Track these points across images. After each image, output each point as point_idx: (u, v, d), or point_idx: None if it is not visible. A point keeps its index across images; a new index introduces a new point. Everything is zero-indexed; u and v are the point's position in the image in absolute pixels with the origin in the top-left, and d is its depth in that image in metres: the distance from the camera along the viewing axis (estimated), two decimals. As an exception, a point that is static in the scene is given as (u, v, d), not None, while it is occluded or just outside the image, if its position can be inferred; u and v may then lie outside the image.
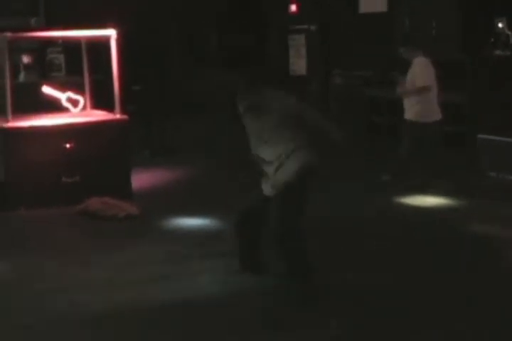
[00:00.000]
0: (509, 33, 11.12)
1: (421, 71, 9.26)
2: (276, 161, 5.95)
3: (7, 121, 9.06)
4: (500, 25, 11.11)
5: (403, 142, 9.47)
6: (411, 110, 9.37)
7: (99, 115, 10.01)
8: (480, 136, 10.44)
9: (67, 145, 9.16)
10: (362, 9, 13.27)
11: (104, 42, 9.58)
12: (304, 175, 6.00)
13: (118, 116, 9.60)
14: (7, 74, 9.13)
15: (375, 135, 12.55)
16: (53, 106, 10.30)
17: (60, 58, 12.33)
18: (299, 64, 14.89)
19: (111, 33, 9.46)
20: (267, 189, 6.07)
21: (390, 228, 7.99)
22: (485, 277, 6.46)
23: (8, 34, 9.01)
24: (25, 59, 12.13)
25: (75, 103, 10.43)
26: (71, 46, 11.17)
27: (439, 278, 6.46)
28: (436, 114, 9.38)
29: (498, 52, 11.14)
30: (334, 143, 6.07)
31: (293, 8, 14.91)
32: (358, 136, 12.30)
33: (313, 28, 14.48)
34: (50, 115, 9.83)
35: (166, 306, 5.94)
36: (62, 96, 10.45)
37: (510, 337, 5.32)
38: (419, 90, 9.20)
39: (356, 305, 5.83)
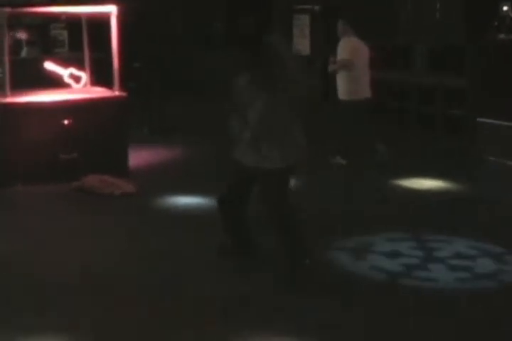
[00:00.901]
0: (513, 16, 11.03)
1: (345, 48, 9.78)
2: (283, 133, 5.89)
3: (5, 96, 9.04)
4: (504, 8, 11.01)
5: (341, 123, 9.94)
6: (342, 89, 9.88)
7: (98, 92, 9.99)
8: (479, 119, 10.40)
9: (65, 122, 9.15)
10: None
11: (106, 18, 9.50)
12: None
13: (117, 93, 9.59)
14: (5, 49, 9.08)
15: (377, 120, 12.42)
16: (56, 82, 10.27)
17: (64, 34, 12.29)
18: (303, 44, 14.86)
19: (111, 9, 9.42)
20: (252, 159, 5.96)
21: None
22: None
23: (7, 9, 8.99)
24: (23, 35, 12.09)
25: (77, 79, 10.47)
26: (75, 23, 11.09)
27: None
28: (366, 92, 9.89)
29: (502, 36, 11.02)
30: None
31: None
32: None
33: (317, 8, 14.42)
34: (48, 91, 9.80)
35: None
36: (65, 73, 10.47)
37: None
38: (340, 64, 9.74)
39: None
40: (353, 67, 9.69)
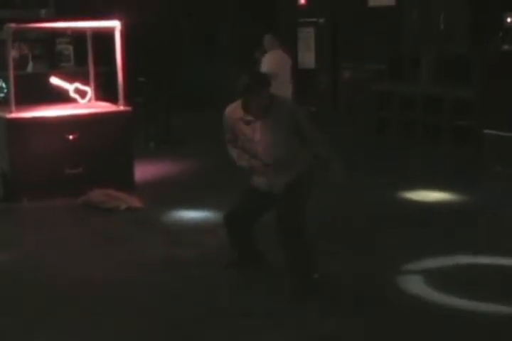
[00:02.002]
0: (518, 28, 11.01)
1: (268, 60, 10.70)
2: (284, 160, 5.95)
3: (10, 111, 9.06)
4: (509, 19, 10.99)
5: None
6: None
7: (103, 106, 10.01)
8: (486, 131, 10.43)
9: (71, 137, 9.15)
10: (371, 3, 13.21)
11: (111, 33, 9.53)
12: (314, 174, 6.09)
13: (122, 107, 9.60)
14: (11, 64, 9.10)
15: (384, 132, 12.45)
16: (61, 97, 10.39)
17: (69, 49, 12.36)
18: (307, 57, 14.84)
19: (116, 24, 9.45)
20: (267, 185, 6.05)
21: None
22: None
23: (12, 25, 9.03)
24: (29, 50, 12.18)
25: (82, 94, 10.56)
26: (80, 37, 11.13)
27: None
28: None
29: (506, 46, 11.01)
30: (331, 178, 5.98)
31: (302, 0, 14.85)
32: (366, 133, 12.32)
33: (322, 21, 14.42)
34: (54, 106, 9.83)
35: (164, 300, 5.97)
36: (70, 87, 10.54)
37: None
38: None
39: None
40: (276, 78, 10.07)
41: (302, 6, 14.90)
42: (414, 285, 6.11)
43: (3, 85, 11.55)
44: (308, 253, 6.01)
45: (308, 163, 6.05)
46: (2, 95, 11.73)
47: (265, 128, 5.89)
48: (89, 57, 10.32)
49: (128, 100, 9.69)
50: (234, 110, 6.03)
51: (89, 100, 10.46)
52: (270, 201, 6.03)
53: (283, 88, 10.30)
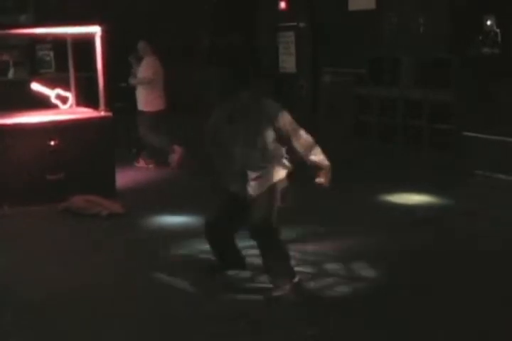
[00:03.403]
0: (498, 30, 11.02)
1: (145, 67, 11.32)
2: (263, 164, 5.98)
3: (-10, 118, 8.98)
4: (488, 22, 11.01)
5: (139, 130, 11.45)
6: (141, 102, 11.39)
7: (84, 112, 9.97)
8: (466, 133, 10.46)
9: (52, 143, 9.11)
10: (351, 6, 13.21)
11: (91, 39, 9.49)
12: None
13: (102, 113, 9.57)
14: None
15: (364, 135, 12.48)
16: (42, 103, 10.26)
17: (50, 55, 12.30)
18: (288, 61, 14.82)
19: (96, 30, 9.41)
20: (242, 189, 6.07)
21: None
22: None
23: (-12, 31, 8.99)
24: (9, 56, 12.11)
25: (64, 100, 10.44)
26: (61, 43, 11.08)
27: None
28: (161, 105, 11.46)
29: (486, 49, 11.05)
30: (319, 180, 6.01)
31: (282, 5, 14.83)
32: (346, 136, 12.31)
33: (302, 24, 14.40)
34: (35, 112, 9.78)
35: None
36: (51, 93, 10.45)
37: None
38: (139, 81, 11.32)
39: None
40: (152, 83, 11.23)
41: (282, 10, 14.86)
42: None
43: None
44: (285, 255, 6.04)
45: (285, 170, 6.07)
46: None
47: (245, 128, 5.92)
48: (69, 63, 10.27)
49: (109, 106, 9.64)
50: (219, 115, 6.10)
51: (71, 106, 10.41)
52: (247, 206, 6.03)
53: (156, 94, 11.24)
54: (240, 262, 6.54)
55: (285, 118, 5.99)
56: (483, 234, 7.62)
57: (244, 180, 6.02)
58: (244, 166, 6.01)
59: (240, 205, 6.09)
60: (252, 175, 5.99)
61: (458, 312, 5.63)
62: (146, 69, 11.30)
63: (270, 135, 5.94)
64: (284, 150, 6.10)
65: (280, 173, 6.06)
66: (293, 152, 6.05)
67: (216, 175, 6.33)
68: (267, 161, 5.99)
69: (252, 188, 6.01)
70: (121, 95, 11.71)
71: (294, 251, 6.59)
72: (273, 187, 6.01)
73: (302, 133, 6.02)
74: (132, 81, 11.41)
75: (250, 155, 5.96)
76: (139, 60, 11.46)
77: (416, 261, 6.83)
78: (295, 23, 14.54)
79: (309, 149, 6.00)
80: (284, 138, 5.98)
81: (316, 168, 6.01)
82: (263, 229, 5.91)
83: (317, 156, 6.00)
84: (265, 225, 5.90)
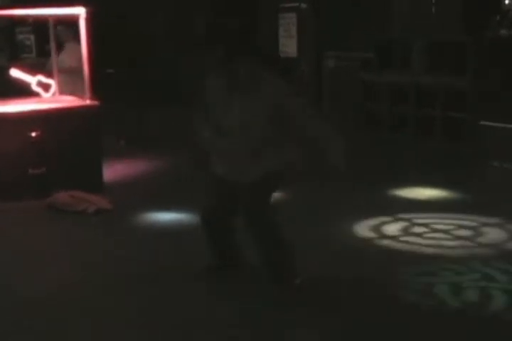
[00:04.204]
0: (517, 10, 10.56)
1: (71, 54, 10.35)
2: (257, 147, 5.50)
3: (-34, 108, 8.56)
4: (506, 1, 10.52)
5: None
6: (66, 90, 10.21)
7: (68, 101, 9.52)
8: (482, 122, 10.10)
9: (33, 134, 8.68)
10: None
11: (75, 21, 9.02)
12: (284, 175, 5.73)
13: (88, 102, 9.12)
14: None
15: (372, 124, 12.02)
16: (23, 91, 9.90)
17: (31, 39, 11.92)
18: (289, 45, 14.46)
19: (80, 11, 8.88)
20: (231, 172, 5.66)
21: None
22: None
23: (-36, 12, 8.48)
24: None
25: (45, 87, 10.03)
26: (43, 26, 10.69)
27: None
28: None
29: (504, 31, 10.49)
30: (330, 163, 5.49)
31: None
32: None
33: (304, 5, 13.99)
34: (14, 101, 9.36)
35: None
36: (32, 80, 10.06)
37: None
38: (67, 70, 10.28)
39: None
40: (76, 71, 9.90)
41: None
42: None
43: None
44: (283, 251, 5.72)
45: (282, 160, 5.62)
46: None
47: (245, 103, 5.44)
48: (52, 48, 9.90)
49: (95, 93, 9.17)
50: (216, 78, 5.62)
51: (53, 94, 9.94)
52: (237, 191, 5.67)
53: (79, 83, 9.93)
54: (240, 260, 6.14)
55: (290, 99, 5.50)
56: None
57: (234, 162, 5.59)
58: (234, 145, 5.52)
59: (233, 192, 5.70)
60: (242, 157, 5.53)
61: None
62: (69, 56, 10.49)
63: (267, 113, 5.42)
64: (287, 134, 5.61)
65: (279, 160, 5.58)
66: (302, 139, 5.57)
67: (201, 151, 5.86)
68: (262, 143, 5.49)
69: (243, 174, 5.58)
70: (107, 82, 11.26)
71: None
72: (269, 174, 5.57)
73: (307, 108, 5.54)
74: (47, 68, 10.51)
75: (242, 133, 5.47)
76: (59, 46, 10.65)
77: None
78: (297, 4, 14.19)
79: (318, 123, 5.53)
80: (289, 122, 5.50)
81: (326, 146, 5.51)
82: (254, 218, 5.59)
83: (327, 131, 5.51)
84: (256, 214, 5.58)
